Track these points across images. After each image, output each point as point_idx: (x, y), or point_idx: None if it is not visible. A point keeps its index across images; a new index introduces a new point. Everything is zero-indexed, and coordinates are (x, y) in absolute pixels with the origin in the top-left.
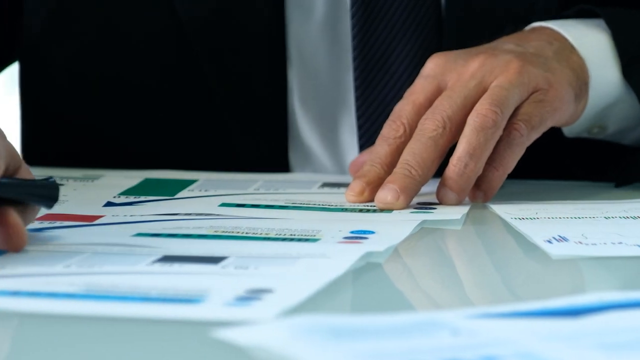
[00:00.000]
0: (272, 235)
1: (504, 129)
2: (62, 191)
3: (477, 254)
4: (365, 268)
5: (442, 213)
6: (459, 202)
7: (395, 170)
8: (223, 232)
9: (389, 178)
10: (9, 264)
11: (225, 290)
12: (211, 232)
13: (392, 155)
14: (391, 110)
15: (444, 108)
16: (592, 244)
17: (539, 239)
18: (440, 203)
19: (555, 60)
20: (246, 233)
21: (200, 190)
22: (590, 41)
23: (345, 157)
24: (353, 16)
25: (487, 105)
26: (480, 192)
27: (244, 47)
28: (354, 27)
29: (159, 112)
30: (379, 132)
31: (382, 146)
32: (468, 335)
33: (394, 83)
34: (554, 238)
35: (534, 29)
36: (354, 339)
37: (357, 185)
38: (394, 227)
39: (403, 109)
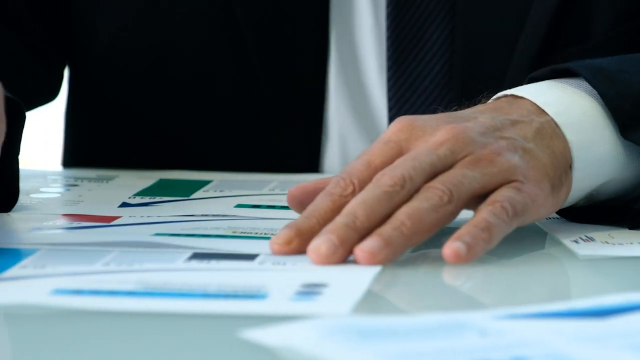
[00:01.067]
0: None
1: (487, 205)
2: (77, 192)
3: (503, 254)
4: (389, 268)
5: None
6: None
7: (336, 219)
8: (242, 232)
9: (328, 227)
10: (49, 263)
11: (281, 286)
12: (229, 233)
13: (333, 213)
14: (422, 92)
15: (407, 166)
16: (619, 244)
17: (565, 239)
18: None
19: (535, 143)
20: (264, 234)
21: (215, 191)
22: (575, 114)
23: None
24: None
25: (440, 184)
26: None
27: (290, 36)
28: (387, 5)
29: (198, 110)
30: (407, 114)
31: (324, 201)
32: (496, 336)
33: (425, 65)
34: (580, 238)
35: (513, 100)
36: (383, 340)
37: (285, 234)
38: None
39: (355, 168)
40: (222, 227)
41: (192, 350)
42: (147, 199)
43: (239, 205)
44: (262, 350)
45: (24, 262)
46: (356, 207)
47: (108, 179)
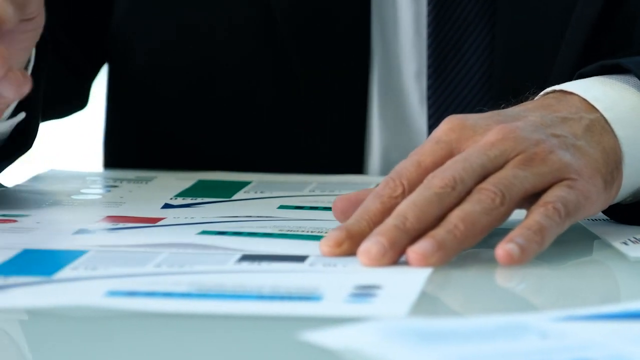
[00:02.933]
0: None
1: (539, 206)
2: (118, 193)
3: (554, 256)
4: (441, 269)
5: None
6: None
7: (386, 221)
8: (288, 231)
9: (378, 229)
10: (100, 264)
11: (335, 288)
12: (276, 231)
13: (383, 215)
14: (461, 101)
15: (458, 168)
16: None
17: (615, 241)
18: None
19: (585, 140)
20: (311, 232)
21: (255, 192)
22: (625, 110)
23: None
24: (429, 3)
25: (492, 186)
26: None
27: (331, 42)
28: (429, 14)
29: (240, 112)
30: None
31: (373, 202)
32: (557, 338)
33: (464, 74)
34: (629, 240)
35: (561, 96)
36: (443, 342)
37: (335, 236)
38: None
39: (405, 169)
40: (268, 226)
41: (251, 352)
42: (189, 200)
43: (282, 207)
44: (323, 352)
45: (75, 263)
46: (406, 209)
47: (147, 180)
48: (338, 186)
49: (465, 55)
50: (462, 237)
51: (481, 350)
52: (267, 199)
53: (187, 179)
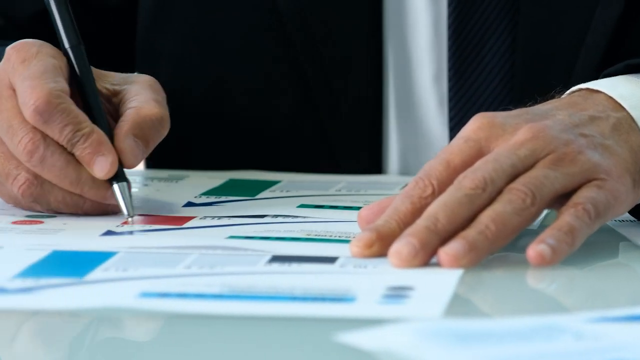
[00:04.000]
0: None
1: (569, 207)
2: (146, 191)
3: (583, 258)
4: (472, 270)
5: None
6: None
7: (417, 222)
8: (316, 235)
9: (408, 230)
10: (131, 266)
11: (367, 289)
12: (304, 236)
13: (413, 215)
14: (483, 102)
15: (488, 169)
16: None
17: None
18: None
19: (613, 139)
20: (339, 236)
21: (281, 191)
22: None
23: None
24: (450, 4)
25: (522, 186)
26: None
27: (342, 40)
28: (449, 16)
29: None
30: None
31: (403, 203)
32: (592, 339)
33: (486, 75)
34: None
35: (588, 94)
36: (480, 344)
37: (365, 237)
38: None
39: (434, 168)
40: (295, 229)
41: (286, 353)
42: (212, 199)
43: (302, 206)
44: (359, 354)
45: (105, 264)
46: (437, 210)
47: (178, 179)
48: (365, 185)
49: (486, 56)
50: (494, 238)
51: (517, 351)
52: (289, 198)
53: (218, 178)
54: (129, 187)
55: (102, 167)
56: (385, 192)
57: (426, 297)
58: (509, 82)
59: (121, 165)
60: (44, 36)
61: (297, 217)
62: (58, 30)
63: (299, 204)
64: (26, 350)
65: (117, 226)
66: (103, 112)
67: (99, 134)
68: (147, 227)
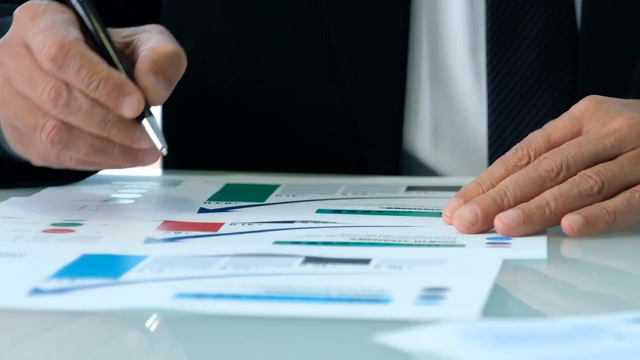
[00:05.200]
0: (411, 241)
1: (627, 192)
2: (150, 197)
3: (623, 257)
4: (507, 271)
5: (521, 247)
6: (516, 232)
7: (488, 192)
8: (360, 239)
9: (477, 198)
10: (165, 267)
11: (403, 290)
12: (348, 240)
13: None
14: (522, 76)
15: (568, 155)
16: None
17: None
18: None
19: None
20: (381, 240)
21: (287, 196)
22: None
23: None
24: None
25: (595, 175)
26: (581, 219)
27: (370, 11)
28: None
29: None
30: (506, 100)
31: (498, 168)
32: (633, 340)
33: (524, 48)
34: None
35: None
36: (521, 345)
37: (455, 203)
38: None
39: (535, 140)
40: (336, 234)
41: (325, 354)
42: (222, 204)
43: (320, 211)
44: (399, 355)
45: (140, 265)
46: (508, 186)
47: (175, 184)
48: (370, 188)
49: (525, 29)
50: (551, 216)
51: (558, 352)
52: (302, 202)
53: (213, 182)
54: (156, 122)
55: (130, 106)
56: (391, 195)
57: (462, 298)
58: (549, 55)
59: (146, 102)
60: None
61: (326, 222)
62: None
63: (316, 209)
64: (61, 351)
65: (153, 233)
66: (120, 56)
67: (118, 75)
68: (183, 233)
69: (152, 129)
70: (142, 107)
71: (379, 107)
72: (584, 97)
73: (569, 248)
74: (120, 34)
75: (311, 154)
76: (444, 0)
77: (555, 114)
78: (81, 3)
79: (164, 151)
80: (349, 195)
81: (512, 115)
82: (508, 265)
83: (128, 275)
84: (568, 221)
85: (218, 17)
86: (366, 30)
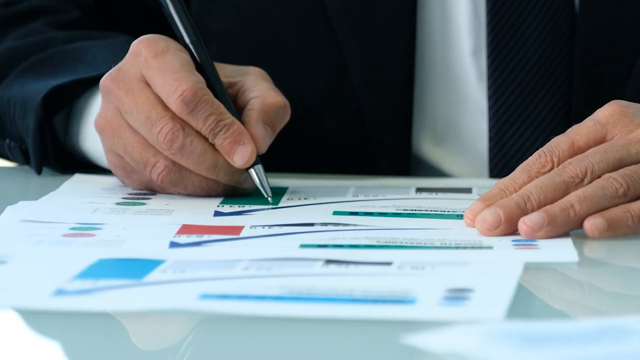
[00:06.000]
0: (437, 244)
1: None
2: (161, 200)
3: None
4: (530, 272)
5: (549, 249)
6: (540, 234)
7: (512, 195)
8: (386, 242)
9: (501, 201)
10: (188, 267)
11: (427, 291)
12: (373, 242)
13: None
14: (522, 79)
15: (593, 161)
16: None
17: None
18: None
19: None
20: (405, 243)
21: (299, 199)
22: None
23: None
24: None
25: (620, 177)
26: (603, 221)
27: (378, 13)
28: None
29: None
30: (508, 102)
31: (522, 174)
32: None
33: (525, 51)
34: None
35: None
36: (547, 345)
37: (476, 205)
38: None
39: (559, 146)
40: (360, 237)
41: (352, 355)
42: (236, 208)
43: (337, 213)
44: (426, 355)
45: (163, 266)
46: (532, 190)
47: None
48: (381, 190)
49: (525, 32)
50: (575, 218)
51: (584, 353)
52: (317, 205)
53: None
54: (263, 169)
55: (242, 156)
56: (403, 196)
57: (487, 299)
58: (549, 58)
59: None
60: (110, 19)
61: (347, 224)
62: (177, 26)
63: (333, 212)
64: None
65: (175, 236)
66: (231, 103)
67: (239, 124)
68: (206, 237)
69: (260, 176)
70: (253, 158)
71: (387, 108)
72: (580, 98)
73: (592, 249)
74: (223, 72)
75: (320, 155)
76: (450, 2)
77: (555, 116)
78: (194, 44)
79: (270, 200)
80: (360, 197)
81: (514, 118)
82: (531, 266)
83: (151, 276)
84: (590, 224)
85: (233, 26)
86: (374, 33)
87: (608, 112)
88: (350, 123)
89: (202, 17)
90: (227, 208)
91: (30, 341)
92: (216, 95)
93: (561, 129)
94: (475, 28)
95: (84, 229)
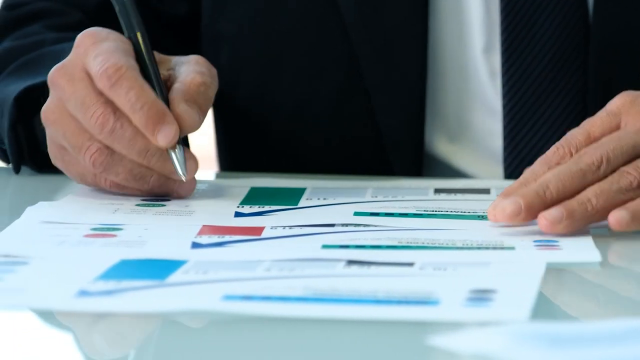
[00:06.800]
0: (459, 244)
1: None
2: (181, 201)
3: None
4: (553, 272)
5: (572, 250)
6: (560, 229)
7: (531, 185)
8: (408, 242)
9: (520, 191)
10: (210, 268)
11: (450, 292)
12: (395, 243)
13: None
14: (536, 77)
15: (608, 148)
16: None
17: None
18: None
19: None
20: (426, 243)
21: (319, 199)
22: None
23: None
24: None
25: (634, 170)
26: (628, 214)
27: (390, 13)
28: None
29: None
30: (522, 100)
31: (541, 167)
32: None
33: (538, 50)
34: None
35: None
36: (574, 346)
37: (512, 209)
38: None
39: (575, 138)
40: (382, 237)
41: (377, 357)
42: (256, 209)
43: (357, 213)
44: (451, 357)
45: (185, 267)
46: (550, 179)
47: (201, 188)
48: (396, 191)
49: (538, 31)
50: (593, 211)
51: (611, 354)
52: (338, 205)
53: (239, 187)
54: (185, 152)
55: (166, 135)
56: (422, 198)
57: (510, 300)
58: (563, 55)
59: (181, 132)
60: (112, 22)
61: (367, 225)
62: (121, 19)
63: (354, 212)
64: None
65: (196, 237)
66: (164, 91)
67: (162, 105)
68: (227, 237)
69: (178, 158)
70: (176, 138)
71: (400, 107)
72: (596, 97)
73: (615, 249)
74: (166, 66)
75: (333, 155)
76: (462, 0)
77: (569, 114)
78: (138, 36)
79: (183, 179)
80: (379, 198)
81: (528, 116)
82: (553, 267)
83: (174, 277)
84: (615, 217)
85: (246, 30)
86: (387, 33)
87: (620, 102)
88: (364, 122)
89: (214, 20)
90: (247, 209)
91: (54, 342)
92: (150, 84)
93: (575, 127)
94: (488, 26)
95: (105, 230)
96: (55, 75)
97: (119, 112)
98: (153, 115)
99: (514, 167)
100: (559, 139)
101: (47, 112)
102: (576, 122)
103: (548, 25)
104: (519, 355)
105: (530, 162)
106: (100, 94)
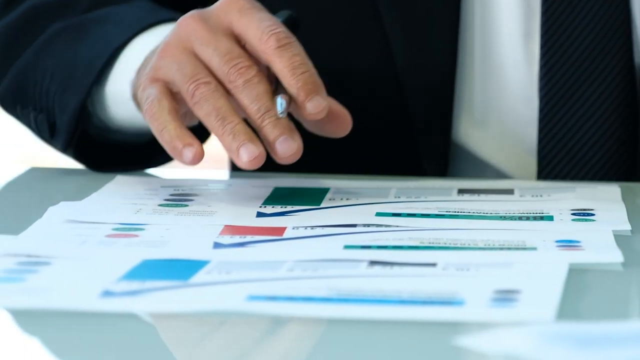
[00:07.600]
0: (480, 245)
1: None
2: (203, 200)
3: None
4: (576, 272)
5: (594, 250)
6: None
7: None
8: (430, 243)
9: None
10: (233, 269)
11: (474, 292)
12: (417, 243)
13: None
14: (575, 59)
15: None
16: None
17: None
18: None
19: None
20: (447, 244)
21: (342, 199)
22: None
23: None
24: None
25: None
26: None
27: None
28: None
29: None
30: (558, 85)
31: None
32: None
33: (578, 33)
34: None
35: None
36: (601, 347)
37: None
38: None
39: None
40: (404, 237)
41: (403, 357)
42: (279, 208)
43: (379, 214)
44: (478, 357)
45: (208, 267)
46: None
47: (223, 188)
48: (422, 192)
49: (579, 14)
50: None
51: (638, 354)
52: (360, 206)
53: (261, 187)
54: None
55: (316, 106)
56: (445, 198)
57: (535, 300)
58: (603, 39)
59: None
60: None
61: (389, 225)
62: None
63: (375, 213)
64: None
65: (218, 237)
66: None
67: (319, 78)
68: (249, 237)
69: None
70: (325, 112)
71: (430, 92)
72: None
73: (636, 249)
74: None
75: (362, 138)
76: None
77: (609, 98)
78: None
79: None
80: (402, 199)
81: (564, 100)
82: (576, 267)
83: (197, 277)
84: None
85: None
86: (419, 16)
87: None
88: (393, 106)
89: None
90: (269, 209)
91: (78, 342)
92: None
93: (620, 106)
94: (526, 12)
95: (127, 230)
96: (191, 20)
97: (261, 73)
98: (311, 83)
99: (547, 151)
100: (594, 125)
101: (167, 47)
102: (618, 101)
103: (590, 7)
104: (548, 356)
105: (565, 147)
106: (246, 52)
